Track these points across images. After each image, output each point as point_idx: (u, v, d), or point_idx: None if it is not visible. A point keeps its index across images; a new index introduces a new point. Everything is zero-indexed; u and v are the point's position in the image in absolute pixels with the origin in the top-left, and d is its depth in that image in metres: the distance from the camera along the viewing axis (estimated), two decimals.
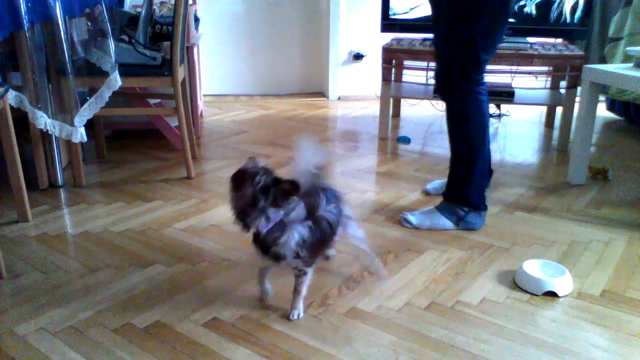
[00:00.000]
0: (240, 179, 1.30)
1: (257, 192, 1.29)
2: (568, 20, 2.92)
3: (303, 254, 1.35)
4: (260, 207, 1.29)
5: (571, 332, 1.39)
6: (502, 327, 1.40)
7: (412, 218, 1.98)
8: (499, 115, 3.63)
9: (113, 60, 2.20)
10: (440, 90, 1.94)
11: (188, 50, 2.81)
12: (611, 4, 3.24)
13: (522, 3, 2.97)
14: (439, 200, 2.05)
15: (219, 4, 4.11)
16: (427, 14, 3.05)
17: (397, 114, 3.61)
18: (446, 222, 1.96)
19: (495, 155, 2.86)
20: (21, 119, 2.20)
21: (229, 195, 1.31)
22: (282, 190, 1.30)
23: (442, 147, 2.96)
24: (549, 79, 3.34)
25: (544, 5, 2.97)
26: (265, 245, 1.35)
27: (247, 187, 1.29)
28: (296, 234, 1.33)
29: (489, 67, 2.93)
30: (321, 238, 1.39)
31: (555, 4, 2.89)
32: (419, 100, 3.62)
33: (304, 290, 1.43)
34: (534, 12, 2.99)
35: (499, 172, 2.58)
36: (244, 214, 1.30)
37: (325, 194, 1.43)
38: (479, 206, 1.97)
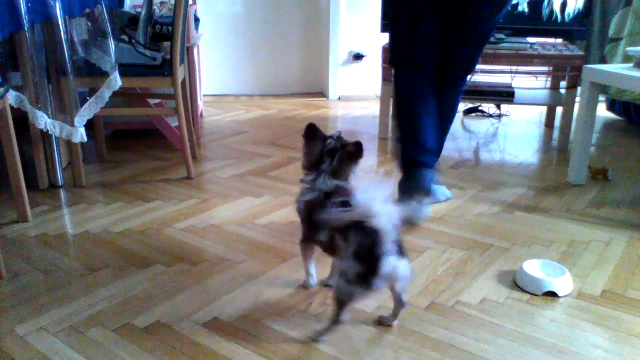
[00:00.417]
0: (311, 134, 1.43)
1: (325, 152, 1.41)
2: (559, 19, 2.92)
3: (301, 214, 1.45)
4: (321, 167, 1.41)
5: (571, 332, 1.39)
6: (502, 327, 1.40)
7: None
8: (499, 115, 3.63)
9: (113, 60, 2.20)
10: None
11: (188, 50, 2.81)
12: (611, 4, 3.24)
13: (514, 2, 2.98)
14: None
15: (219, 4, 4.11)
16: None
17: None
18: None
19: (495, 155, 2.87)
20: (21, 119, 2.20)
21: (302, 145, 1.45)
22: (347, 152, 1.39)
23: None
24: (549, 79, 3.34)
25: (541, 5, 2.97)
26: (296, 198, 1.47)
27: (317, 145, 1.42)
28: (307, 196, 1.41)
29: (488, 67, 2.96)
30: (310, 215, 1.41)
31: (545, 2, 2.89)
32: None
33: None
34: (532, 11, 2.99)
35: (499, 172, 2.58)
36: (307, 167, 1.44)
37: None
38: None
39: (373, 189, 1.21)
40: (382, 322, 1.41)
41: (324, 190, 1.39)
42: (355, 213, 1.21)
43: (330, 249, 1.40)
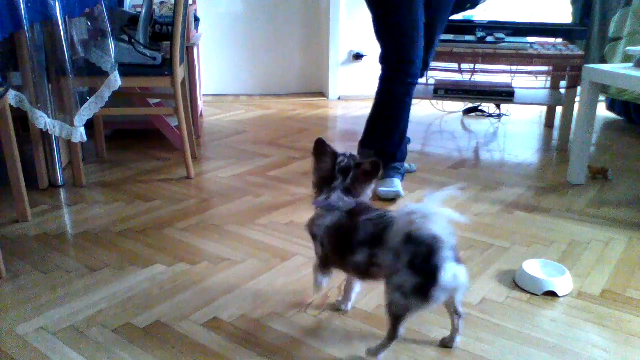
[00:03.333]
0: (321, 150, 1.35)
1: (337, 170, 1.33)
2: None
3: (322, 241, 1.34)
4: (333, 185, 1.32)
5: (571, 332, 1.39)
6: (502, 327, 1.40)
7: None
8: (499, 115, 3.63)
9: (113, 60, 2.20)
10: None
11: (188, 50, 2.81)
12: (611, 4, 3.24)
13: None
14: None
15: (219, 4, 4.11)
16: None
17: None
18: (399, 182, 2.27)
19: (496, 155, 2.87)
20: (21, 119, 2.20)
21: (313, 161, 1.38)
22: (363, 170, 1.31)
23: (442, 147, 2.96)
24: (549, 79, 3.34)
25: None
26: (310, 221, 1.37)
27: (327, 161, 1.34)
28: (328, 219, 1.31)
29: (488, 67, 2.96)
30: (340, 238, 1.30)
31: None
32: (419, 100, 3.61)
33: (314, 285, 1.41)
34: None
35: (499, 172, 2.58)
36: (318, 185, 1.36)
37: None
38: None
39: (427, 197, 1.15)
40: (445, 344, 1.33)
41: (346, 209, 1.30)
42: (412, 221, 1.12)
43: (367, 270, 1.27)
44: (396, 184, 2.23)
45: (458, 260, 1.17)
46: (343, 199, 1.31)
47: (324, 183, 1.35)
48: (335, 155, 1.35)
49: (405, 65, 2.16)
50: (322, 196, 1.34)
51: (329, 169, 1.34)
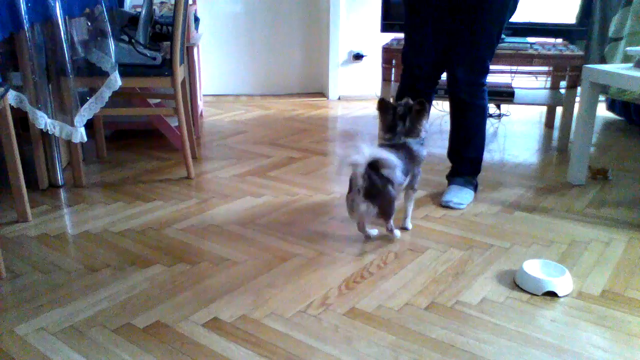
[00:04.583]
0: (382, 106, 1.86)
1: (397, 118, 1.84)
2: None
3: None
4: (397, 130, 1.85)
5: (571, 332, 1.39)
6: (502, 327, 1.40)
7: (456, 199, 2.17)
8: (499, 115, 3.63)
9: (113, 60, 2.20)
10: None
11: (188, 50, 2.81)
12: (611, 4, 3.24)
13: None
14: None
15: (219, 4, 4.11)
16: None
17: None
18: (472, 193, 2.24)
19: (495, 155, 2.87)
20: (21, 119, 2.20)
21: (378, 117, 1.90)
22: (415, 111, 1.83)
23: (442, 147, 2.96)
24: (549, 79, 3.35)
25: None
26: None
27: (389, 114, 1.85)
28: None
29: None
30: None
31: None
32: None
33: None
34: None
35: (499, 172, 2.58)
36: (386, 132, 1.86)
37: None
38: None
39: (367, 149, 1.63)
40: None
41: (391, 144, 1.81)
42: (350, 158, 1.61)
43: None
44: None
45: (366, 196, 1.67)
46: (400, 140, 1.84)
47: (389, 130, 1.86)
48: (394, 107, 1.83)
49: (410, 69, 2.23)
50: (387, 137, 1.86)
51: (391, 119, 1.84)
